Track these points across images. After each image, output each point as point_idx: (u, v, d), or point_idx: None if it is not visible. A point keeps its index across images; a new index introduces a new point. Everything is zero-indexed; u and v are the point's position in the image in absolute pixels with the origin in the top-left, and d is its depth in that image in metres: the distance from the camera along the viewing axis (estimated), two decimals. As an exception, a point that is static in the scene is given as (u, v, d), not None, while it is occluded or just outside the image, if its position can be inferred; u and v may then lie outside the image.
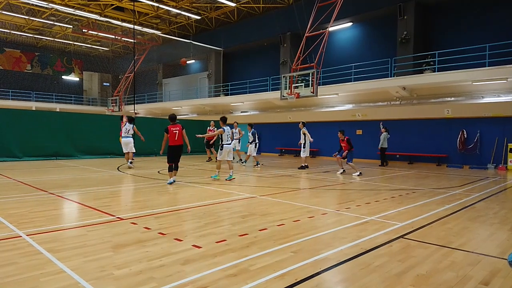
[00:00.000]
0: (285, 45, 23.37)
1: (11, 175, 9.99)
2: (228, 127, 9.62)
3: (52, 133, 15.84)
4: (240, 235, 4.30)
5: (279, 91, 18.89)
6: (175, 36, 29.85)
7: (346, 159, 11.87)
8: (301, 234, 4.41)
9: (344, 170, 12.15)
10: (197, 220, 5.13)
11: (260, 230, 4.55)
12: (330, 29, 17.08)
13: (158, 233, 4.36)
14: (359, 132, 19.28)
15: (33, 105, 30.94)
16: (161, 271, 3.15)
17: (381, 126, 16.13)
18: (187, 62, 30.55)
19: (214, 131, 16.04)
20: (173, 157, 8.84)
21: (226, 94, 26.73)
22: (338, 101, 20.03)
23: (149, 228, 4.56)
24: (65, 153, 16.29)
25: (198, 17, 26.35)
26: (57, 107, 32.10)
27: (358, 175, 11.37)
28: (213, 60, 28.69)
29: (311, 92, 15.94)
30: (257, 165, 14.61)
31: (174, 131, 8.81)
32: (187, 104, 28.22)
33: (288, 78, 17.13)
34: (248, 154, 15.31)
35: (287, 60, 22.78)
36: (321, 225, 4.98)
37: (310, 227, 4.80)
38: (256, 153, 15.44)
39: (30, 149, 15.29)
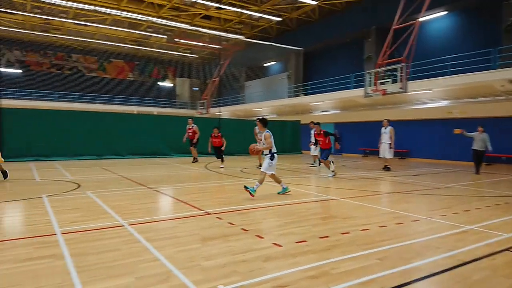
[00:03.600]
0: (369, 39, 22.26)
1: (116, 171, 11.38)
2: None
3: (149, 134, 17.64)
4: (320, 237, 4.22)
5: (363, 88, 18.08)
6: (257, 40, 30.68)
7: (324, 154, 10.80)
8: (388, 240, 4.15)
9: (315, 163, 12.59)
10: (277, 219, 5.19)
11: (342, 234, 4.41)
12: (421, 19, 15.74)
13: (241, 229, 4.53)
14: (457, 131, 17.38)
15: (134, 109, 34.78)
16: (243, 265, 3.26)
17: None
18: (267, 64, 31.09)
19: (193, 131, 14.76)
20: None
21: (306, 94, 26.54)
22: (430, 97, 18.33)
23: (233, 224, 4.77)
24: (161, 151, 17.97)
25: (279, 19, 26.66)
26: (154, 110, 35.58)
27: (332, 175, 10.39)
28: (293, 61, 28.73)
29: (400, 88, 14.91)
30: (313, 164, 14.13)
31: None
32: (267, 105, 28.80)
33: (373, 74, 16.30)
34: (314, 154, 14.26)
35: (372, 56, 21.67)
36: (411, 232, 4.62)
37: (399, 234, 4.49)
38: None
39: (132, 148, 17.25)
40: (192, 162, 15.10)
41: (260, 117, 7.41)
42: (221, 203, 6.40)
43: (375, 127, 20.57)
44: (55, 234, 4.21)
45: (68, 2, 23.15)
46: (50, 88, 33.64)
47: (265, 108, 29.62)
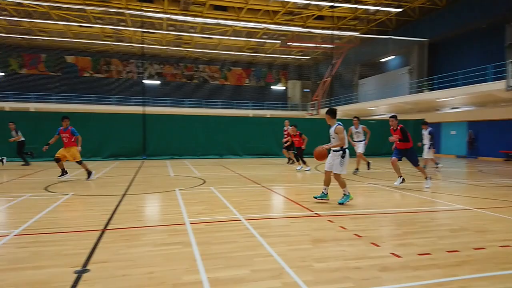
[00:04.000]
0: (512, 23, 18.75)
1: (234, 169, 12.28)
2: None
3: (262, 135, 18.52)
4: (448, 251, 3.74)
5: (504, 80, 15.33)
6: (373, 34, 29.04)
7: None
8: (538, 262, 3.42)
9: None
10: (396, 227, 4.81)
11: (475, 249, 3.83)
12: None
13: (354, 234, 4.35)
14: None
15: (250, 112, 36.95)
16: (357, 273, 3.13)
17: None
18: (384, 59, 29.12)
19: (288, 133, 13.61)
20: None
21: (431, 89, 23.85)
22: None
23: (345, 228, 4.62)
24: (273, 152, 18.67)
25: (399, 10, 24.69)
26: (268, 113, 37.17)
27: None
28: (416, 53, 26.17)
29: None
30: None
31: None
32: (384, 103, 26.92)
33: (518, 63, 13.66)
34: (427, 158, 12.40)
35: (516, 42, 18.21)
36: None
37: (554, 255, 3.66)
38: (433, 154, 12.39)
39: (248, 148, 18.42)
40: (288, 163, 14.21)
41: (328, 108, 6.26)
42: (332, 206, 6.27)
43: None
44: (184, 224, 4.78)
45: (196, 19, 26.07)
46: (182, 95, 38.41)
47: (381, 107, 27.80)
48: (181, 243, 3.94)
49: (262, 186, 8.42)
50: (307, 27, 28.27)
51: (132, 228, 4.61)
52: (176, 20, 27.44)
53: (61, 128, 9.21)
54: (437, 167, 12.58)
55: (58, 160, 9.05)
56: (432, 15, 24.56)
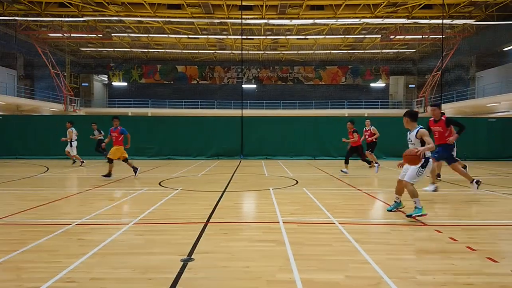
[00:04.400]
0: None
1: (328, 171, 12.00)
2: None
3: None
4: None
5: None
6: (493, 21, 25.20)
7: None
8: None
9: None
10: (522, 243, 4.09)
11: None
12: None
13: (467, 247, 3.85)
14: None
15: (345, 112, 35.70)
16: (469, 291, 2.77)
17: None
18: (508, 48, 24.95)
19: (370, 133, 12.33)
20: None
21: None
22: None
23: (455, 240, 4.12)
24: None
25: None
26: (366, 112, 35.35)
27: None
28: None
29: None
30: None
31: None
32: (508, 98, 23.07)
33: None
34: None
35: None
36: None
37: None
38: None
39: (341, 150, 17.68)
40: (369, 167, 12.85)
41: (408, 111, 5.56)
42: (441, 214, 5.65)
43: None
44: (278, 222, 4.88)
45: (293, 21, 26.34)
46: (277, 98, 39.26)
47: (503, 103, 23.91)
48: (275, 241, 4.03)
49: (359, 189, 8.05)
50: (413, 18, 25.99)
51: (231, 223, 4.90)
52: (273, 25, 28.16)
53: (112, 128, 9.84)
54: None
55: (111, 161, 9.63)
56: None
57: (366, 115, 32.06)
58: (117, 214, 5.63)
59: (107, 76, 40.49)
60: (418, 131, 5.28)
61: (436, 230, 4.55)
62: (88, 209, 5.69)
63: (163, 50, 36.27)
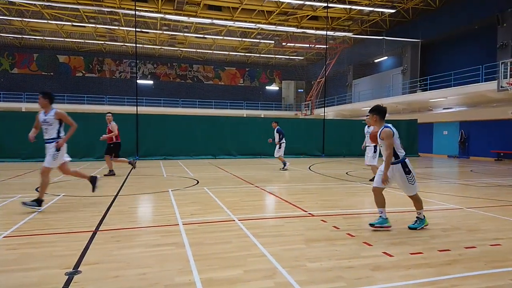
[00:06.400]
0: (504, 24, 18.98)
1: (228, 170, 12.25)
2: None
3: (256, 135, 18.47)
4: (440, 250, 3.78)
5: (496, 81, 15.53)
6: (367, 35, 29.22)
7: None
8: (528, 260, 3.47)
9: None
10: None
11: (466, 248, 3.87)
12: None
13: (347, 233, 4.37)
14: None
15: (244, 112, 36.94)
16: (350, 272, 3.14)
17: None
18: (378, 60, 29.32)
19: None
20: None
21: (424, 90, 24.07)
22: None
23: (338, 228, 4.64)
24: (267, 152, 18.65)
25: (393, 11, 24.87)
26: (262, 113, 37.18)
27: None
28: (409, 54, 26.39)
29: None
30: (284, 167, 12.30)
31: None
32: (377, 103, 27.05)
33: (509, 64, 13.85)
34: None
35: (507, 43, 18.45)
36: (561, 253, 3.76)
37: (543, 254, 3.70)
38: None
39: (241, 149, 18.36)
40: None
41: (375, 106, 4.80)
42: (325, 205, 6.29)
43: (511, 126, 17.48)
44: (177, 225, 4.76)
45: (190, 18, 25.98)
46: (175, 96, 38.25)
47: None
48: (174, 244, 3.92)
49: (256, 186, 8.42)
50: (302, 28, 28.35)
51: (125, 229, 4.57)
52: (170, 20, 27.33)
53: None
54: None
55: None
56: (425, 16, 24.79)
57: (262, 116, 33.68)
58: (-20, 228, 4.71)
59: (-36, 63, 33.59)
60: (382, 130, 4.55)
61: (322, 220, 5.05)
62: None
63: (42, 38, 31.78)
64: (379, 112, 4.70)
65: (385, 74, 30.44)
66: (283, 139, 12.55)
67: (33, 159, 14.47)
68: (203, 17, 26.36)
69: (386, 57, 29.48)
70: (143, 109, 26.83)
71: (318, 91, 34.36)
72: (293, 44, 31.77)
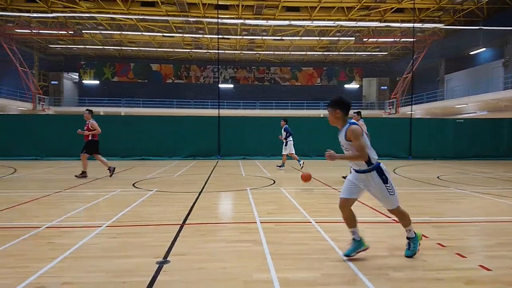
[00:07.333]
0: None
1: (304, 171, 12.13)
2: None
3: (333, 136, 17.94)
4: (554, 269, 3.23)
5: None
6: (461, 25, 26.38)
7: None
8: None
9: None
10: (486, 238, 4.30)
11: None
12: None
13: (437, 243, 4.01)
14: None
15: (321, 112, 36.27)
16: (438, 284, 2.88)
17: None
18: (474, 52, 26.22)
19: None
20: None
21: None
22: None
23: (426, 237, 4.27)
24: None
25: (492, -4, 22.04)
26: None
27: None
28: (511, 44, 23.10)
29: None
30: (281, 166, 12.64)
31: None
32: (474, 100, 24.20)
33: None
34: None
35: None
36: None
37: None
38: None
39: (318, 149, 17.97)
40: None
41: (335, 98, 3.70)
42: (412, 212, 5.83)
43: None
44: (255, 222, 4.89)
45: (268, 22, 26.47)
46: (253, 98, 39.34)
47: (470, 104, 25.08)
48: (252, 241, 4.03)
49: (334, 188, 8.20)
50: (385, 21, 26.76)
51: (208, 224, 4.86)
52: (250, 25, 28.19)
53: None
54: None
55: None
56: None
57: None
58: (89, 216, 5.46)
59: (77, 74, 39.17)
60: (347, 128, 3.53)
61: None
62: (59, 212, 5.48)
63: (137, 48, 35.50)
64: (342, 106, 3.56)
65: (483, 68, 27.07)
66: (290, 137, 13.02)
67: (131, 158, 16.24)
68: (281, 19, 26.61)
69: (483, 49, 26.22)
70: (224, 112, 28.15)
71: (404, 88, 32.08)
72: (375, 39, 30.19)
